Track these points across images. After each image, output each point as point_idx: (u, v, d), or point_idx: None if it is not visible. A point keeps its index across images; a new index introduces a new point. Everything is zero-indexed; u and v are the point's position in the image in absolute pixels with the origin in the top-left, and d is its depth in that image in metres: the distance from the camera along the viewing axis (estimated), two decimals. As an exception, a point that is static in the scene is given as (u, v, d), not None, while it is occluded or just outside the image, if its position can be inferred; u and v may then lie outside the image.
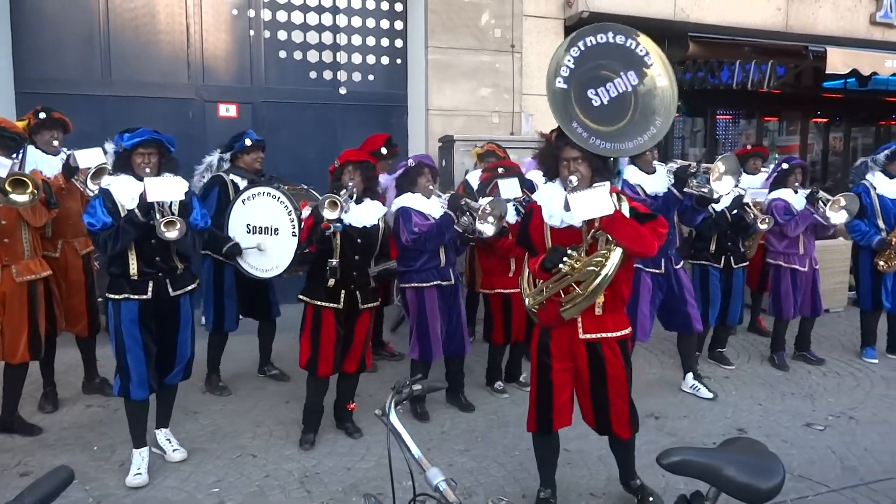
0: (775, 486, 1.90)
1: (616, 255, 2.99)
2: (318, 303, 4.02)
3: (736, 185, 4.51)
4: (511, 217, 4.78)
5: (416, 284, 4.48)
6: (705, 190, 4.49)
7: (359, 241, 4.02)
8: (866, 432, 4.43)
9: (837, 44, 8.46)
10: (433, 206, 4.48)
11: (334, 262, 3.92)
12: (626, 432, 3.28)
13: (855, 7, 8.91)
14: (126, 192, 3.60)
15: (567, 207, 3.01)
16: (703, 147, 10.52)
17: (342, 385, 4.32)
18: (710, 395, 4.99)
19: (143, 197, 3.52)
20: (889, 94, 10.84)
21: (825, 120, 11.38)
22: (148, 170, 3.62)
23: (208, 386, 5.08)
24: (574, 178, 3.10)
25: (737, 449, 2.05)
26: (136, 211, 3.53)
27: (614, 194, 3.15)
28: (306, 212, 4.05)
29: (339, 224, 3.84)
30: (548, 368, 3.26)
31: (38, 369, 4.63)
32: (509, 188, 4.58)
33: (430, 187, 4.50)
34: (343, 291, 4.03)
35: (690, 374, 5.12)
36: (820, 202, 5.26)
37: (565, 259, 3.02)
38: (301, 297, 4.12)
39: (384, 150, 5.48)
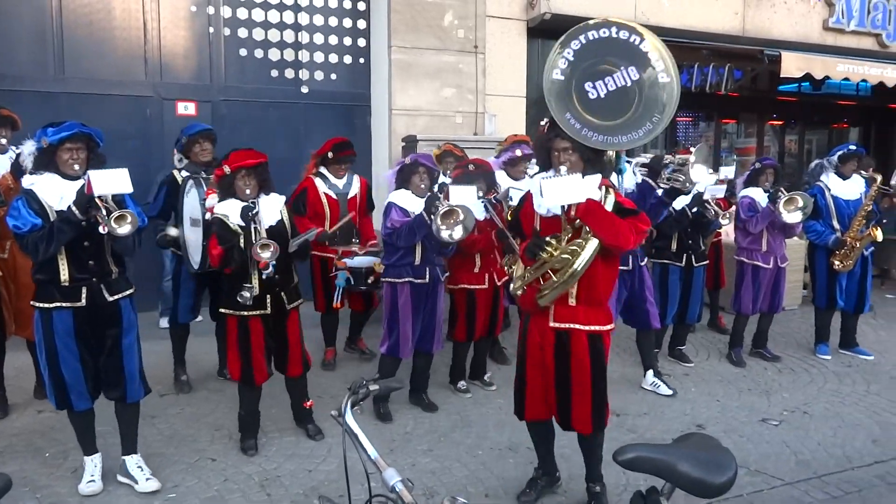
0: (727, 481, 1.93)
1: (592, 245, 3.01)
2: (245, 313, 3.90)
3: (711, 174, 4.58)
4: (480, 214, 4.78)
5: (391, 279, 4.49)
6: (680, 179, 4.55)
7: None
8: (819, 427, 4.55)
9: (792, 48, 8.66)
10: (421, 205, 4.42)
11: (248, 293, 3.81)
12: (586, 428, 3.29)
13: (808, 13, 9.15)
14: (53, 191, 3.34)
15: (539, 193, 3.05)
16: (664, 148, 10.67)
17: (291, 388, 4.26)
18: (670, 392, 5.06)
19: (81, 193, 3.29)
20: (841, 98, 11.14)
21: (781, 122, 11.65)
22: (77, 166, 3.36)
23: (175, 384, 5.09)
24: (564, 168, 3.13)
25: (690, 445, 2.08)
26: (74, 208, 3.29)
27: (604, 187, 3.18)
28: (211, 200, 3.96)
29: (274, 264, 3.78)
30: (524, 358, 3.37)
31: (-13, 374, 4.49)
32: (461, 194, 4.35)
33: (423, 186, 4.47)
34: (269, 296, 3.94)
35: (651, 372, 5.19)
36: (779, 198, 5.38)
37: (545, 247, 3.07)
38: (224, 310, 3.98)
39: (330, 154, 5.39)
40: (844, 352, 6.16)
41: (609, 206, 3.11)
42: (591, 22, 3.27)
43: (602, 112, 3.25)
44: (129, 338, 3.59)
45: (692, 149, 4.58)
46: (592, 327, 3.23)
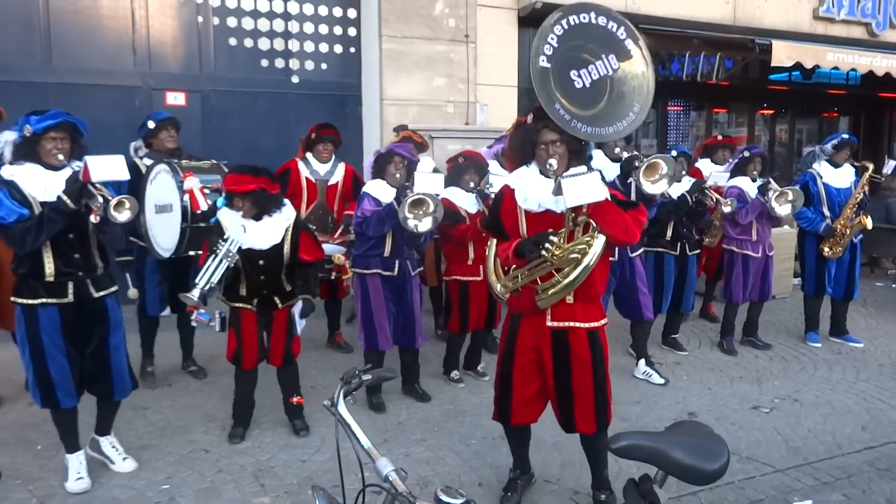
0: (720, 468, 1.93)
1: (600, 242, 2.90)
2: (235, 304, 4.00)
3: (669, 188, 4.54)
4: (472, 207, 4.77)
5: (359, 270, 4.48)
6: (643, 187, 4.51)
7: (261, 262, 3.91)
8: (809, 414, 4.58)
9: (782, 37, 8.66)
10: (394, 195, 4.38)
11: (216, 322, 3.86)
12: (589, 427, 3.15)
13: (799, 2, 9.15)
14: (36, 182, 3.23)
15: (558, 192, 2.87)
16: (655, 137, 10.70)
17: (280, 379, 4.25)
18: (662, 381, 5.08)
19: (72, 181, 3.21)
20: (831, 87, 11.17)
21: (771, 112, 11.67)
22: (61, 156, 3.26)
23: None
24: (554, 162, 3.00)
25: (683, 432, 2.08)
26: (65, 197, 3.18)
27: None
28: (189, 183, 4.10)
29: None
30: (510, 361, 3.21)
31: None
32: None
33: (398, 176, 4.42)
34: (256, 298, 3.99)
35: (643, 361, 5.21)
36: (770, 192, 5.40)
37: (547, 245, 2.92)
38: (219, 297, 4.05)
39: (313, 135, 5.53)
40: (835, 339, 6.20)
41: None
42: (570, 5, 3.12)
43: (586, 102, 3.08)
44: (116, 336, 3.53)
45: (660, 160, 4.33)
46: (591, 324, 3.11)
